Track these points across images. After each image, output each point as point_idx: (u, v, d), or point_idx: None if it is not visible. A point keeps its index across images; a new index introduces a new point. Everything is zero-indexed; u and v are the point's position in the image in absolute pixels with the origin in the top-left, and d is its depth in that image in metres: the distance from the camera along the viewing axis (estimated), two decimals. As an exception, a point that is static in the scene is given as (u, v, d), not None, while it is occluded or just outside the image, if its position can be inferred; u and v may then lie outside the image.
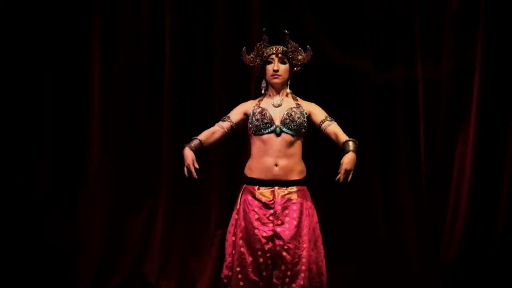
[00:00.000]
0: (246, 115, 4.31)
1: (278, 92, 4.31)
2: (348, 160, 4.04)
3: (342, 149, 4.12)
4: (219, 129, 4.30)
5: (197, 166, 4.14)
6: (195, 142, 4.22)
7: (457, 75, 5.66)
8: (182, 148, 4.20)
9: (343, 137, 4.17)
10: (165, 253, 5.75)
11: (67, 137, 5.71)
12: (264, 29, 4.34)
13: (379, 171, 5.72)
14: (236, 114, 4.33)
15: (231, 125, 4.30)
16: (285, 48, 4.29)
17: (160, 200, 5.76)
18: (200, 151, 4.23)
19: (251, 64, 4.36)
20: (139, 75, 5.76)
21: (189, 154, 4.16)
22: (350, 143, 4.11)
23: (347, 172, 4.02)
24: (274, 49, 4.29)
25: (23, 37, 5.57)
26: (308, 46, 4.34)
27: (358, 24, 5.75)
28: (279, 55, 4.26)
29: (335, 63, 5.67)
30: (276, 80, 4.28)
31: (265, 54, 4.29)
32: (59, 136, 5.69)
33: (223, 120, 4.33)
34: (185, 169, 4.16)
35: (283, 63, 4.28)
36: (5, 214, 5.57)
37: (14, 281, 5.50)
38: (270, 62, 4.28)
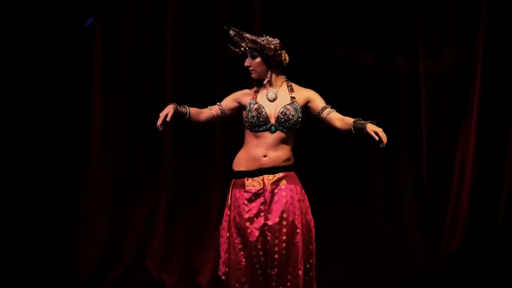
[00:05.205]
0: (239, 104, 4.27)
1: (272, 83, 4.26)
2: (374, 126, 3.97)
3: (351, 129, 4.05)
4: (207, 110, 4.29)
5: (168, 119, 4.00)
6: (182, 109, 4.15)
7: (459, 70, 5.65)
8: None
9: (350, 118, 4.13)
10: (167, 247, 5.79)
11: (69, 132, 5.73)
12: (224, 27, 4.21)
13: (381, 168, 5.72)
14: (228, 101, 4.30)
15: (220, 109, 4.27)
16: (249, 44, 4.17)
17: (161, 194, 5.78)
18: (182, 119, 4.15)
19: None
20: (140, 71, 5.77)
21: (169, 108, 4.06)
22: (361, 120, 4.06)
23: (382, 133, 3.93)
24: (242, 48, 4.21)
25: (24, 38, 5.60)
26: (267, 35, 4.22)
27: (360, 17, 5.73)
28: (248, 51, 4.20)
29: (336, 56, 5.66)
30: (252, 76, 4.23)
31: (240, 53, 4.23)
32: (61, 131, 5.72)
33: (214, 104, 4.32)
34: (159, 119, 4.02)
35: (254, 57, 4.20)
36: (7, 209, 5.60)
37: (14, 278, 5.55)
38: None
